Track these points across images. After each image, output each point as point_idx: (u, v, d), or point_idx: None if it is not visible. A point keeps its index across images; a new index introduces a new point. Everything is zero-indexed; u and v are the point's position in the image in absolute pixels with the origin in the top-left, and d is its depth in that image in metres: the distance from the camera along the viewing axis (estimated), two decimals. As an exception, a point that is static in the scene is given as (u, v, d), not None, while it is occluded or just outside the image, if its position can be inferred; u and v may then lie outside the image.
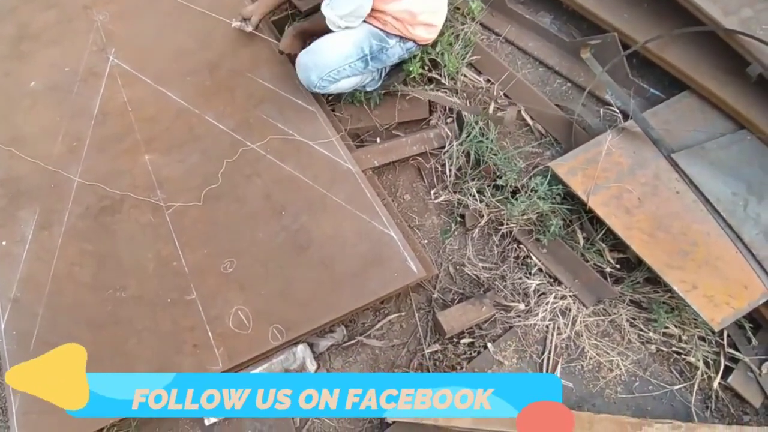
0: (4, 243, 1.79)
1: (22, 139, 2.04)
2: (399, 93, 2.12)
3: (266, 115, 2.05)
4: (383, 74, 2.12)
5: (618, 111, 1.92)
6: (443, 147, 2.04)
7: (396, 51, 1.93)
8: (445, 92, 2.14)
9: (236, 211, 1.82)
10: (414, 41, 1.93)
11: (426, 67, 2.16)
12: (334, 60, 1.86)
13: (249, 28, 2.18)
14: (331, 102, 2.17)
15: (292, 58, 2.04)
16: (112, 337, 1.61)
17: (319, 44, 1.89)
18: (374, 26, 1.86)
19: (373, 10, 1.82)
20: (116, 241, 1.78)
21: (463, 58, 2.18)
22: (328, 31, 1.89)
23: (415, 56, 2.07)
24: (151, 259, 1.72)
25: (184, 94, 2.15)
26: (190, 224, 1.80)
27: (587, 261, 1.74)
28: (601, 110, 1.99)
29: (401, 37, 1.89)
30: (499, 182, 1.86)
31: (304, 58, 1.90)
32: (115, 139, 2.04)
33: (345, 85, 1.98)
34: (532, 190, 1.79)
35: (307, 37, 2.03)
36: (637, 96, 1.98)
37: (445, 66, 2.13)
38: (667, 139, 1.79)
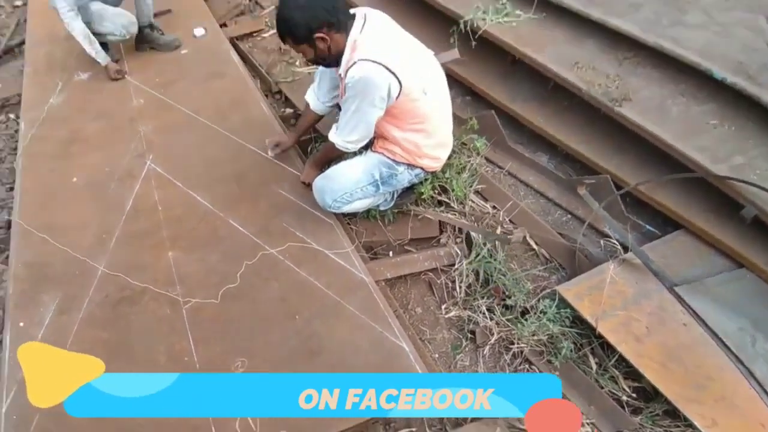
0: (21, 324, 1.81)
1: (56, 228, 2.16)
2: (411, 213, 2.29)
3: (286, 223, 2.17)
4: (395, 195, 2.29)
5: (617, 243, 2.05)
6: (453, 264, 2.13)
7: (405, 176, 2.09)
8: (455, 215, 2.30)
9: (251, 312, 1.86)
10: (422, 168, 2.10)
11: (436, 191, 2.35)
12: (346, 184, 2.02)
13: (278, 151, 2.41)
14: (348, 216, 2.31)
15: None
16: (114, 429, 1.55)
17: (334, 170, 2.08)
18: (384, 156, 2.04)
19: (382, 139, 2.03)
20: (131, 331, 1.80)
21: (470, 186, 2.38)
22: (341, 156, 2.09)
23: (426, 179, 2.27)
24: (162, 352, 1.72)
25: (212, 198, 2.30)
26: (206, 321, 1.83)
27: (602, 387, 1.73)
28: (602, 241, 2.13)
29: (409, 165, 2.05)
30: (509, 302, 1.93)
31: (319, 182, 2.08)
32: (143, 235, 2.14)
33: (358, 205, 2.13)
34: (541, 312, 1.85)
35: (323, 166, 2.22)
36: (633, 231, 2.14)
37: (453, 191, 2.32)
38: (667, 272, 1.89)
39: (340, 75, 1.85)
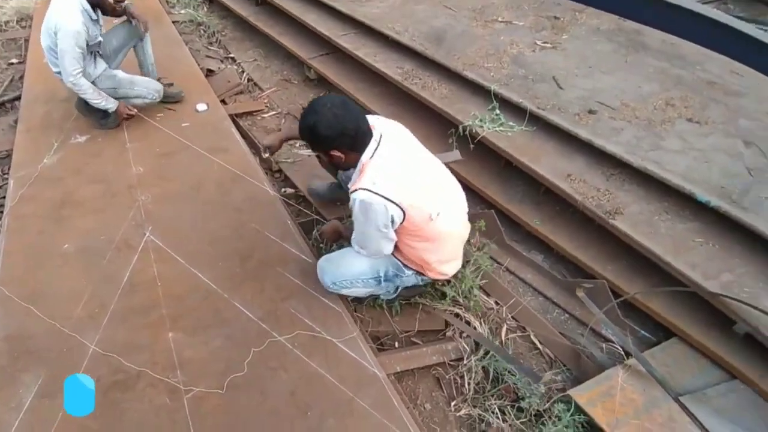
0: (-4, 408, 1.60)
1: (42, 297, 2.01)
2: (420, 306, 2.29)
3: (294, 309, 2.12)
4: (400, 289, 2.28)
5: (620, 348, 2.12)
6: (461, 359, 2.12)
7: (411, 279, 2.13)
8: (461, 308, 2.32)
9: (260, 405, 1.75)
10: (426, 276, 2.13)
11: (440, 282, 2.38)
12: (347, 273, 2.06)
13: (269, 154, 2.35)
14: (354, 302, 2.28)
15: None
16: None
17: (340, 255, 2.11)
18: (395, 257, 2.06)
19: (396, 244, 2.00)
20: (124, 422, 1.64)
21: (473, 281, 2.43)
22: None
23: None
24: None
25: (215, 277, 2.23)
26: (210, 414, 1.70)
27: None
28: (603, 345, 2.19)
29: (417, 272, 2.10)
30: (522, 404, 1.92)
31: (323, 263, 2.11)
32: (140, 312, 2.02)
33: (357, 292, 2.15)
34: (556, 417, 1.84)
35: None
36: (628, 334, 2.22)
37: (459, 286, 2.36)
38: (670, 382, 1.96)
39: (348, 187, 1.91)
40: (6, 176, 2.80)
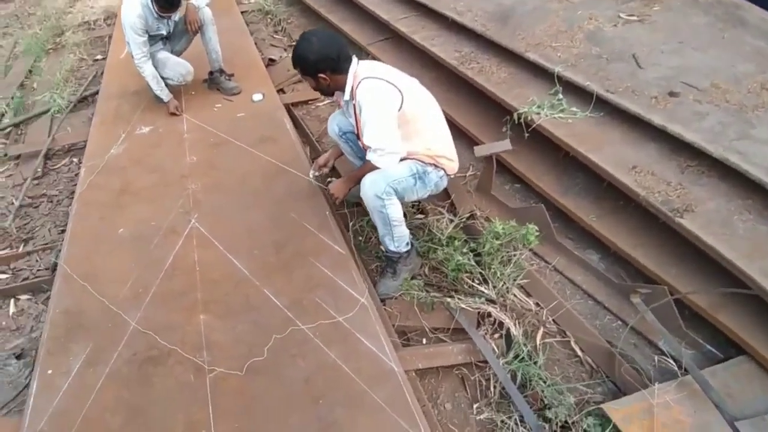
0: (49, 372, 1.82)
1: (97, 277, 2.20)
2: (448, 303, 2.20)
3: (320, 299, 2.13)
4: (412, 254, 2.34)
5: (673, 362, 1.89)
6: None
7: (433, 176, 2.26)
8: (495, 307, 2.19)
9: (274, 390, 1.78)
10: (443, 169, 2.28)
11: (476, 281, 2.27)
12: (389, 176, 2.13)
13: (325, 170, 2.69)
14: (384, 298, 2.25)
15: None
16: None
17: (375, 172, 2.16)
18: (411, 158, 2.22)
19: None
20: (153, 394, 1.77)
21: (514, 280, 2.28)
22: None
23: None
24: (180, 421, 1.68)
25: (249, 265, 2.29)
26: (228, 393, 1.77)
27: None
28: (656, 357, 1.96)
29: (434, 165, 2.24)
30: (548, 413, 1.77)
31: (366, 181, 2.14)
32: (178, 294, 2.14)
33: (397, 208, 2.18)
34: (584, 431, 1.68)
35: (357, 183, 2.30)
36: (692, 349, 1.97)
37: (494, 287, 2.23)
38: (728, 403, 1.71)
39: (346, 101, 2.20)
40: (80, 165, 3.09)
